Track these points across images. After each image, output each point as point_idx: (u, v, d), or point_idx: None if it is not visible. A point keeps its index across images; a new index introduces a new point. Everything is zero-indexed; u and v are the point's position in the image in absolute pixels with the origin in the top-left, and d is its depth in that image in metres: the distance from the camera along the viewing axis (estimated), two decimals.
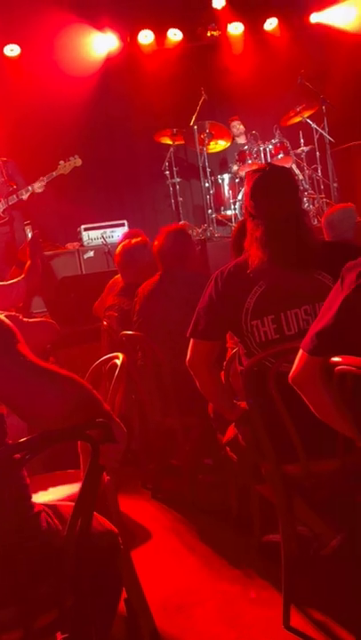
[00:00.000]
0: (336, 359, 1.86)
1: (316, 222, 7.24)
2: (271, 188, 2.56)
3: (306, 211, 2.74)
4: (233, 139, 8.39)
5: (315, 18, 8.80)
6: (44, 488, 2.46)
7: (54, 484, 2.50)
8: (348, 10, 8.61)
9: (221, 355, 3.09)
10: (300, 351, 2.01)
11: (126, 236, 4.73)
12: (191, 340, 2.73)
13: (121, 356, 2.50)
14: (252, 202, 2.58)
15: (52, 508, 1.84)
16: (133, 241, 4.39)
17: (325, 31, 8.92)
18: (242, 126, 8.38)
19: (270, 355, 2.44)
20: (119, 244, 4.58)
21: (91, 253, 7.31)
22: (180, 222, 7.80)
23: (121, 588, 2.01)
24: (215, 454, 3.57)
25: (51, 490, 2.46)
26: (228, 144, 8.35)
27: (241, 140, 8.42)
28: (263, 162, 7.82)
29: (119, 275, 4.56)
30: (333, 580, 2.69)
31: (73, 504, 1.73)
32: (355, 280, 1.85)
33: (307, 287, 2.52)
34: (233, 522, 3.36)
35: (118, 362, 2.48)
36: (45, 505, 1.84)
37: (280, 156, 7.91)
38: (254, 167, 3.99)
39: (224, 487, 3.50)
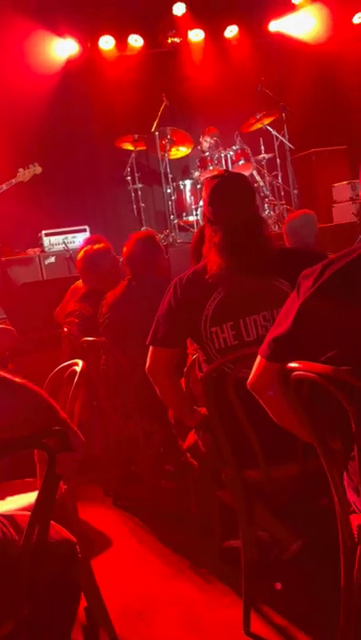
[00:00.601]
0: (293, 365, 1.87)
1: (276, 228, 7.31)
2: (229, 194, 2.58)
3: (263, 217, 2.77)
4: (195, 145, 8.42)
5: (274, 26, 8.88)
6: (1, 497, 2.43)
7: (12, 493, 2.47)
8: (304, 19, 8.70)
9: (182, 361, 3.10)
10: (258, 357, 2.02)
11: (88, 242, 4.71)
12: (150, 348, 2.72)
13: (80, 362, 2.48)
14: (210, 208, 2.60)
15: (8, 518, 1.82)
16: (95, 247, 4.37)
17: (285, 39, 9.02)
18: (215, 139, 8.36)
19: (229, 361, 2.45)
20: (81, 249, 4.56)
21: (52, 259, 7.26)
22: (143, 228, 7.80)
23: (79, 597, 2.00)
24: (176, 460, 3.57)
25: (8, 499, 2.43)
26: (190, 150, 8.39)
27: (204, 146, 8.45)
28: (224, 168, 7.86)
29: (80, 280, 4.54)
30: (293, 585, 2.71)
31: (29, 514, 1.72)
32: (310, 287, 1.86)
33: (265, 293, 2.54)
34: (194, 528, 3.36)
35: (78, 368, 2.46)
36: (1, 515, 1.82)
37: (241, 163, 7.96)
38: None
39: (185, 493, 3.50)
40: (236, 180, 2.62)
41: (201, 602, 2.76)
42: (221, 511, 3.00)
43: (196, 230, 6.06)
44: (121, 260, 3.97)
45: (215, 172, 2.68)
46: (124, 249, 3.84)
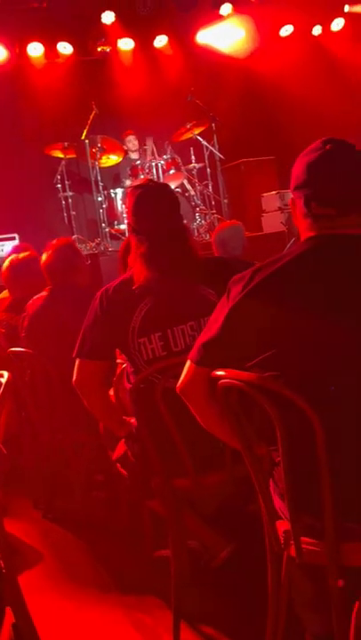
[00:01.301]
0: (220, 372, 1.90)
1: (208, 237, 7.39)
2: (153, 204, 2.59)
3: (188, 226, 2.80)
4: (126, 153, 8.43)
5: (201, 37, 8.97)
6: None
7: None
8: (231, 31, 8.79)
9: (111, 370, 3.08)
10: (188, 362, 2.04)
11: (14, 251, 4.65)
12: (77, 361, 2.67)
13: (6, 374, 2.44)
14: (134, 218, 2.60)
15: None
16: (21, 256, 4.31)
17: (213, 50, 9.12)
18: (137, 141, 8.43)
19: (157, 370, 2.45)
20: (6, 258, 4.49)
21: None
22: (73, 236, 7.75)
23: (3, 612, 1.96)
24: (106, 471, 3.55)
25: None
26: (121, 159, 8.39)
27: (134, 155, 8.47)
28: (155, 177, 7.90)
29: (6, 290, 4.47)
30: (223, 593, 2.72)
31: None
32: (240, 292, 1.89)
33: (192, 303, 2.56)
34: (125, 538, 3.34)
35: (3, 380, 2.42)
36: None
37: (172, 172, 8.02)
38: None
39: (116, 503, 3.48)
40: (160, 190, 2.64)
41: (131, 612, 2.75)
42: (152, 521, 3.00)
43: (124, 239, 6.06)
44: None
45: (138, 182, 2.68)
46: (43, 258, 3.79)
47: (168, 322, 2.56)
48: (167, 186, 2.74)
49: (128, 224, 2.69)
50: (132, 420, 2.70)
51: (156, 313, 2.56)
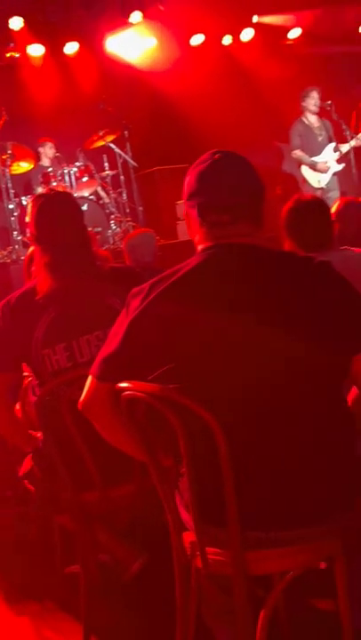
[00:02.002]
0: (123, 385, 1.88)
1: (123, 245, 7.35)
2: (55, 213, 2.56)
3: (92, 235, 2.75)
4: (38, 160, 8.31)
5: (111, 46, 8.93)
6: None
7: None
8: (141, 39, 8.77)
9: (18, 384, 3.01)
10: (90, 377, 2.01)
11: None
12: None
13: None
14: (37, 227, 2.56)
15: None
16: None
17: (124, 57, 9.10)
18: (54, 149, 8.29)
19: (62, 383, 2.41)
20: None
21: None
22: None
23: None
24: (15, 486, 3.47)
25: None
26: (32, 166, 8.25)
27: (47, 162, 8.35)
28: (68, 184, 7.82)
29: None
30: (135, 606, 2.70)
31: None
32: (138, 305, 1.88)
33: (97, 313, 2.53)
34: (35, 554, 3.27)
35: None
36: None
37: (85, 179, 7.96)
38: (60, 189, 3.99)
39: (25, 520, 3.41)
40: (63, 200, 2.61)
41: (41, 629, 2.68)
42: (62, 536, 2.94)
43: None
44: None
45: (60, 189, 2.66)
46: None
47: (73, 332, 2.52)
48: (70, 195, 2.72)
49: (31, 234, 2.63)
50: (39, 435, 2.64)
51: (60, 323, 2.52)
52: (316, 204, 3.15)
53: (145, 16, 8.37)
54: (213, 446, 1.73)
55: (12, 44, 8.49)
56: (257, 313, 1.80)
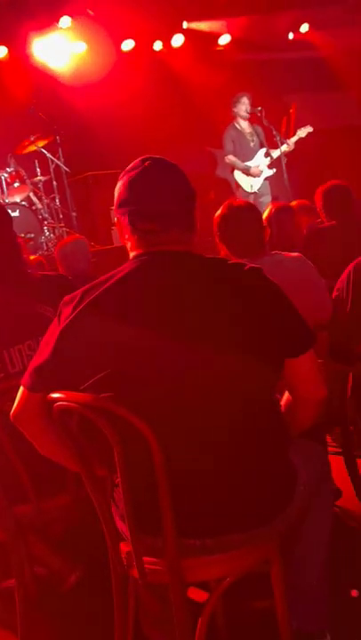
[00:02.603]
0: (55, 395, 1.85)
1: None
2: None
3: (22, 243, 2.69)
4: None
5: (41, 51, 8.81)
6: None
7: None
8: (70, 45, 8.67)
9: None
10: (21, 387, 1.97)
11: None
12: None
13: None
14: None
15: None
16: None
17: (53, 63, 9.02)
18: None
19: None
20: None
21: None
22: None
23: None
24: None
25: None
26: None
27: None
28: None
29: None
30: (72, 618, 2.66)
31: None
32: (70, 314, 1.86)
33: (29, 322, 2.48)
34: None
35: None
36: None
37: (16, 185, 7.85)
38: None
39: None
40: None
41: None
42: None
43: None
44: None
45: None
46: None
47: (3, 342, 2.47)
48: None
49: None
50: None
51: None
52: (248, 209, 3.17)
53: (74, 21, 8.31)
54: (148, 455, 1.72)
55: None
56: (188, 320, 1.80)
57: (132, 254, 1.92)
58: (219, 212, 3.14)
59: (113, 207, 1.98)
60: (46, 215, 8.13)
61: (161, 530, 1.77)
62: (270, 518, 1.86)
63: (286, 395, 2.10)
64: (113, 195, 1.96)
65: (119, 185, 1.92)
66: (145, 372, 1.79)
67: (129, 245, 1.93)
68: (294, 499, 1.93)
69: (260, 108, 7.87)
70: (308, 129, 8.07)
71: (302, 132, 8.09)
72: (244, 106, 8.05)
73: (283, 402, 2.12)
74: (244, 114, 8.08)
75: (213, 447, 1.80)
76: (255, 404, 1.85)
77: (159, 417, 1.74)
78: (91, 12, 8.18)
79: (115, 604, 2.00)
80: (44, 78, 8.94)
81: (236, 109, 8.14)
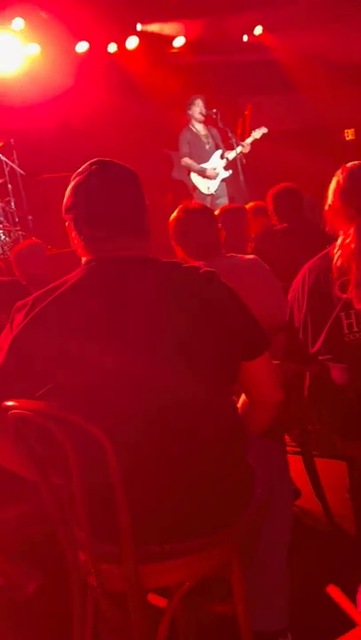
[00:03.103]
0: (10, 403, 1.82)
1: None
2: None
3: None
4: None
5: None
6: None
7: None
8: (24, 47, 8.55)
9: None
10: None
11: None
12: None
13: None
14: None
15: None
16: None
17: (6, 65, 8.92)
18: None
19: None
20: None
21: None
22: None
23: None
24: None
25: None
26: None
27: None
28: None
29: None
30: (31, 628, 2.62)
31: None
32: (22, 320, 1.83)
33: None
34: None
35: None
36: None
37: None
38: None
39: None
40: None
41: None
42: None
43: None
44: None
45: None
46: None
47: None
48: None
49: None
50: None
51: None
52: (202, 211, 3.18)
53: (27, 22, 8.22)
54: (103, 462, 1.70)
55: None
56: (139, 328, 1.79)
57: (83, 259, 1.90)
58: (174, 214, 3.15)
59: None
60: (1, 218, 8.05)
61: (118, 537, 1.75)
62: (229, 521, 1.86)
63: (243, 397, 2.11)
64: None
65: (68, 189, 1.90)
66: (96, 379, 1.77)
67: (79, 251, 1.91)
68: (253, 501, 1.94)
69: (215, 110, 7.90)
70: (263, 130, 8.13)
71: (257, 134, 8.14)
72: (198, 108, 8.05)
73: (240, 404, 2.12)
74: (198, 116, 8.08)
75: (170, 452, 1.79)
76: (212, 408, 1.85)
77: (114, 425, 1.72)
78: (44, 15, 8.10)
79: (73, 612, 1.97)
80: None
81: (190, 112, 8.14)
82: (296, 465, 2.94)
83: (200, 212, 3.15)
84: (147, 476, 1.78)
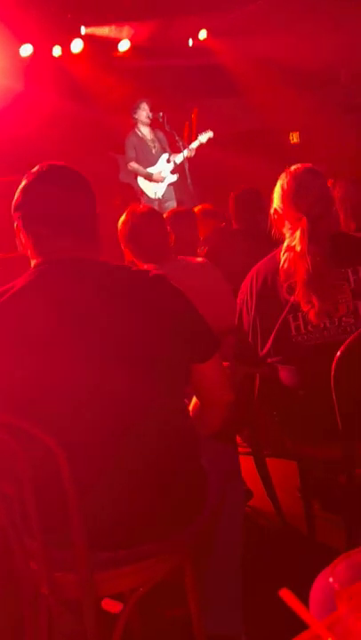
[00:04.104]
0: None
1: None
2: None
3: None
4: None
5: None
6: None
7: None
8: None
9: None
10: None
11: None
12: None
13: None
14: None
15: None
16: None
17: None
18: None
19: None
20: None
21: None
22: None
23: None
24: None
25: None
26: None
27: None
28: None
29: None
30: None
31: None
32: None
33: None
34: None
35: None
36: None
37: None
38: None
39: None
40: None
41: None
42: None
43: None
44: None
45: None
46: None
47: None
48: None
49: None
50: None
51: None
52: (150, 214, 3.18)
53: None
54: (55, 469, 1.69)
55: None
56: (88, 332, 1.77)
57: (32, 262, 1.89)
58: (122, 218, 3.15)
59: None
60: None
61: (72, 544, 1.73)
62: (182, 525, 1.86)
63: (194, 399, 2.11)
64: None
65: (18, 189, 1.90)
66: (45, 386, 1.75)
67: (29, 252, 1.90)
68: (206, 504, 1.94)
69: (161, 114, 7.91)
70: (209, 134, 8.17)
71: (203, 138, 8.18)
72: (144, 112, 8.07)
73: (191, 406, 2.12)
74: (144, 120, 8.10)
75: (121, 457, 1.78)
76: (163, 411, 1.84)
77: (64, 431, 1.71)
78: None
79: (24, 622, 1.95)
80: None
81: (136, 115, 8.15)
82: (247, 465, 2.96)
83: (148, 215, 3.16)
84: (99, 482, 1.76)
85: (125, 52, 9.46)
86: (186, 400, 2.12)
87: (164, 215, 3.82)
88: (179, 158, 7.99)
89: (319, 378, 2.34)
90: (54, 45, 8.96)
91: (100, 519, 1.76)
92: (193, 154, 8.05)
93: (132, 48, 9.37)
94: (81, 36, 8.95)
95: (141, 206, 3.33)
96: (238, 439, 3.26)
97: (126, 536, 1.79)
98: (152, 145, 8.20)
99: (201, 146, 8.12)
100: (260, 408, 2.88)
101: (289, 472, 3.05)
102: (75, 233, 1.87)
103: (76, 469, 1.68)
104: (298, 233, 2.47)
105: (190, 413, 2.08)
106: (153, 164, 8.14)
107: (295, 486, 3.03)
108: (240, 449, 3.20)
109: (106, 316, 1.79)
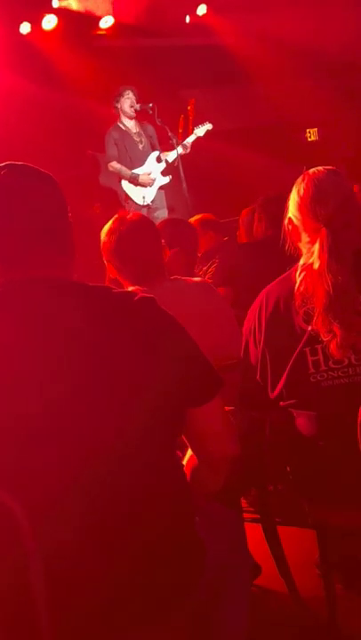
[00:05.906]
0: None
1: None
2: None
3: None
4: None
5: None
6: None
7: None
8: None
9: None
10: None
11: None
12: None
13: None
14: None
15: None
16: None
17: None
18: None
19: None
20: None
21: None
22: None
23: None
24: None
25: None
26: None
27: None
28: None
29: None
30: None
31: None
32: None
33: None
34: None
35: None
36: None
37: None
38: None
39: None
40: None
41: None
42: None
43: None
44: None
45: None
46: None
47: None
48: None
49: None
50: None
51: None
52: (143, 224, 3.16)
53: None
54: (14, 536, 1.66)
55: None
56: (59, 366, 1.76)
57: None
58: (107, 226, 3.11)
59: None
60: None
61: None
62: (172, 608, 1.83)
63: (189, 452, 2.09)
64: None
65: None
66: (8, 435, 1.73)
67: None
68: (202, 581, 1.91)
69: (151, 105, 7.90)
70: (208, 126, 8.20)
71: (200, 131, 8.20)
72: (128, 101, 8.01)
73: (185, 461, 2.10)
74: (129, 110, 8.05)
75: (98, 526, 1.74)
76: (150, 467, 1.81)
77: (26, 488, 1.68)
78: None
79: None
80: None
81: (118, 105, 8.09)
82: (255, 535, 2.94)
83: (140, 224, 3.13)
84: (72, 557, 1.72)
85: (108, 30, 9.52)
86: (179, 452, 2.10)
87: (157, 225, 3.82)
88: (171, 156, 7.96)
89: (343, 426, 2.33)
90: (22, 22, 9.02)
91: (74, 607, 1.72)
92: (188, 150, 8.05)
93: (117, 25, 9.44)
94: (54, 11, 9.01)
95: (132, 213, 3.29)
96: (244, 502, 3.24)
97: (102, 627, 1.75)
98: (138, 140, 8.14)
99: (198, 140, 8.10)
100: (271, 464, 2.86)
101: (306, 544, 3.02)
102: (44, 245, 1.86)
103: (42, 539, 1.65)
104: (316, 247, 2.48)
105: (185, 469, 2.06)
106: (140, 163, 8.08)
107: (313, 561, 3.00)
108: (246, 514, 3.18)
109: (80, 349, 1.77)
